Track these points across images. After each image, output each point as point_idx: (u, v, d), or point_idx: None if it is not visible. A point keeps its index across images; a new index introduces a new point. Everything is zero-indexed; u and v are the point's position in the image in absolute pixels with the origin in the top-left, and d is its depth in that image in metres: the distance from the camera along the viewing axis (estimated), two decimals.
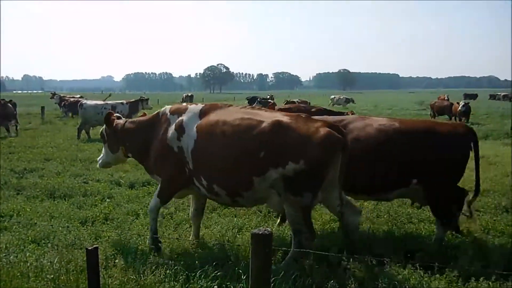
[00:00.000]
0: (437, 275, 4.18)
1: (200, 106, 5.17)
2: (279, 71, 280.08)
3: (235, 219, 6.41)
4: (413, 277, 4.19)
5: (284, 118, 4.55)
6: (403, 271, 4.32)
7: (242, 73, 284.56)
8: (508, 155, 11.68)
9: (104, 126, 5.78)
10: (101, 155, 6.05)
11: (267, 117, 4.60)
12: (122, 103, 18.07)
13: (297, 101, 24.21)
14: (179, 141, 4.94)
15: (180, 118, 5.06)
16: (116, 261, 4.67)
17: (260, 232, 2.66)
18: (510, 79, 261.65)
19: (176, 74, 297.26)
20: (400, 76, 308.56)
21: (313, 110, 13.95)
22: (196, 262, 4.62)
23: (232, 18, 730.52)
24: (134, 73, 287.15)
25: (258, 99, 30.14)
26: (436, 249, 4.97)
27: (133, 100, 19.06)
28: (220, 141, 4.63)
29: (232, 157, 4.55)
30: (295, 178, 4.31)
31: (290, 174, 4.31)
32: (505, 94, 57.51)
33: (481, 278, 4.08)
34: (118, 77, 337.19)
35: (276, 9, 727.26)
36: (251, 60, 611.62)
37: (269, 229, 2.68)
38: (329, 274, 4.22)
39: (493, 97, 58.33)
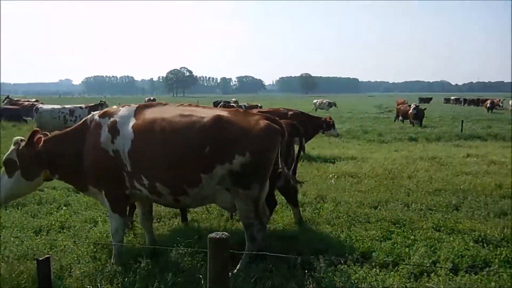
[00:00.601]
0: (392, 273, 4.35)
1: (134, 106, 4.98)
2: (243, 75, 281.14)
3: (195, 224, 6.38)
4: (369, 275, 4.34)
5: (223, 113, 4.65)
6: (360, 270, 4.47)
7: (206, 77, 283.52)
8: (459, 155, 12.36)
9: (10, 151, 4.82)
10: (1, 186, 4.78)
11: (207, 112, 4.64)
12: (81, 107, 17.54)
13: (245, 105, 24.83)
14: (113, 143, 4.67)
15: (112, 120, 4.77)
16: (72, 270, 4.52)
17: (218, 236, 2.66)
18: (460, 83, 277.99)
19: (138, 78, 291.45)
20: (360, 80, 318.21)
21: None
22: (156, 269, 4.55)
23: (194, 22, 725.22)
24: (94, 76, 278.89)
25: (222, 103, 30.40)
26: (390, 248, 5.15)
27: (93, 104, 18.53)
28: (160, 138, 4.52)
29: (176, 153, 4.48)
30: (242, 171, 4.39)
31: (238, 168, 4.38)
32: (457, 98, 61.06)
33: (432, 274, 4.28)
34: (77, 80, 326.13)
35: (238, 13, 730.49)
36: (214, 63, 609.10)
37: (226, 233, 2.69)
38: (288, 275, 4.30)
39: (446, 100, 61.50)
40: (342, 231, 5.90)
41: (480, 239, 5.49)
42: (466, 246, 5.15)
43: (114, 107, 5.22)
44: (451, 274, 4.42)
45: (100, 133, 4.74)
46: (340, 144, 14.88)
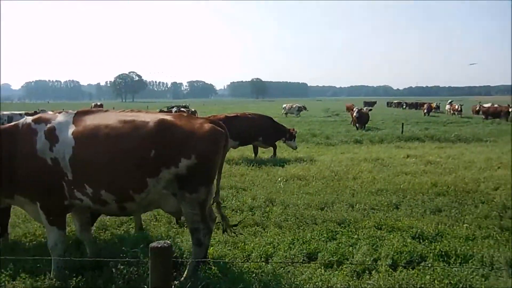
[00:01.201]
0: (336, 272, 4.50)
1: (71, 112, 4.77)
2: (194, 80, 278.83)
3: (144, 232, 6.21)
4: (315, 275, 4.45)
5: (167, 117, 4.62)
6: (306, 270, 4.58)
7: (156, 82, 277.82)
8: (399, 156, 13.03)
9: None
10: None
11: (150, 117, 4.59)
12: (20, 114, 16.55)
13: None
14: (52, 151, 4.42)
15: (49, 126, 4.52)
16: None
17: (159, 245, 2.61)
18: (401, 88, 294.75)
19: (84, 82, 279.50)
20: (309, 85, 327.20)
21: (256, 117, 13.93)
22: (99, 281, 4.37)
23: (145, 24, 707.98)
24: (36, 80, 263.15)
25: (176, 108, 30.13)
26: (335, 247, 5.32)
27: (33, 112, 17.53)
28: (104, 144, 4.40)
29: (121, 159, 4.38)
30: (189, 175, 4.39)
31: (184, 172, 4.37)
32: (399, 101, 64.55)
33: (373, 271, 4.48)
34: (16, 85, 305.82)
35: (189, 17, 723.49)
36: (165, 68, 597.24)
37: (169, 242, 2.64)
38: (236, 280, 4.30)
39: (389, 104, 64.74)
40: (290, 233, 6.01)
41: (417, 235, 5.82)
42: (404, 243, 5.44)
43: (50, 113, 4.97)
44: (390, 270, 4.65)
45: (35, 140, 4.47)
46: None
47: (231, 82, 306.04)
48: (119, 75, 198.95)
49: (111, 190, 4.45)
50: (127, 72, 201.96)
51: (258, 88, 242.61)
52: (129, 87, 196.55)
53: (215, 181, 4.87)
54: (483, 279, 4.41)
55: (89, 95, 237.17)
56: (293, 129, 14.50)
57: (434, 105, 43.01)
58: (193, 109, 34.76)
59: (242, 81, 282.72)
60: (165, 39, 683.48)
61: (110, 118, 4.59)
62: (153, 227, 6.50)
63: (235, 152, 14.38)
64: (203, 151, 4.43)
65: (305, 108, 41.71)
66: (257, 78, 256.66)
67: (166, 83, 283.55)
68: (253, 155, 13.56)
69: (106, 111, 4.94)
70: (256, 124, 13.63)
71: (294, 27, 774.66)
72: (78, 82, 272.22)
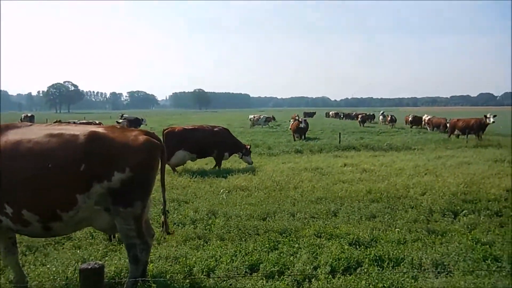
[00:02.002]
0: (277, 282, 4.55)
1: None
2: (134, 90, 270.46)
3: (78, 251, 5.87)
4: (256, 287, 4.47)
5: (99, 129, 4.46)
6: (248, 282, 4.58)
7: (94, 92, 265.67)
8: (337, 165, 13.56)
9: None
10: None
11: (80, 130, 4.40)
12: None
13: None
14: None
15: None
16: None
17: (90, 267, 2.47)
18: (338, 99, 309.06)
19: (13, 92, 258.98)
20: (251, 96, 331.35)
21: (216, 130, 13.95)
22: None
23: (82, 32, 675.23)
24: None
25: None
26: (277, 257, 5.39)
27: None
28: (28, 160, 4.13)
29: (46, 175, 4.12)
30: (123, 189, 4.23)
31: (117, 186, 4.21)
32: (336, 112, 67.47)
33: (313, 279, 4.59)
34: None
35: (128, 26, 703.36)
36: (103, 78, 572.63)
37: (99, 262, 2.51)
38: None
39: (327, 115, 67.36)
40: (233, 245, 5.99)
41: (354, 241, 6.08)
42: (342, 250, 5.65)
43: None
44: (330, 277, 4.80)
45: None
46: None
47: (173, 93, 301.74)
48: (53, 85, 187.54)
49: (34, 209, 4.15)
50: (61, 82, 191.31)
51: (201, 99, 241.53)
52: (64, 97, 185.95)
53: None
54: (413, 281, 4.70)
55: (19, 105, 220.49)
56: (249, 145, 14.53)
57: (368, 115, 45.32)
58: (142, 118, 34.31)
59: (184, 92, 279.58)
60: (104, 48, 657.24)
61: (35, 133, 4.31)
62: (89, 244, 6.15)
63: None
64: (138, 164, 4.30)
65: (274, 119, 40.95)
66: (200, 89, 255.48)
67: (105, 93, 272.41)
68: (197, 166, 13.41)
69: (30, 125, 4.65)
70: (215, 137, 13.61)
71: (235, 39, 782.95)
72: (6, 91, 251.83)
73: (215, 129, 14.10)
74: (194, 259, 5.37)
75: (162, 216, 5.01)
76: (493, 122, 22.38)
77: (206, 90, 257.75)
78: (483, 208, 7.86)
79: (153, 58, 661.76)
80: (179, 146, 12.78)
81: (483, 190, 9.23)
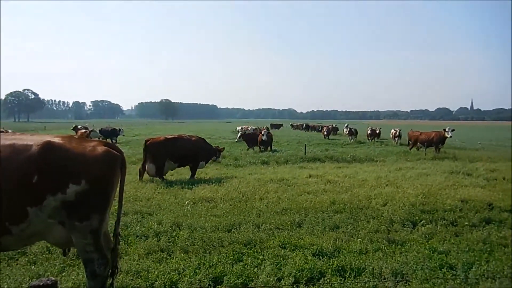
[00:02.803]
0: None
1: None
2: (99, 99, 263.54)
3: (33, 267, 5.59)
4: None
5: (55, 139, 4.28)
6: None
7: (55, 100, 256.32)
8: (303, 176, 13.73)
9: None
10: None
11: (35, 139, 4.21)
12: None
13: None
14: None
15: None
16: None
17: (42, 283, 2.37)
18: (304, 111, 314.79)
19: None
20: (218, 107, 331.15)
21: (193, 139, 14.51)
22: None
23: (42, 38, 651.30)
24: None
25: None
26: (241, 269, 5.37)
27: None
28: None
29: None
30: (79, 202, 4.08)
31: (72, 198, 4.05)
32: (302, 124, 68.63)
33: None
34: None
35: (93, 33, 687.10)
36: (65, 86, 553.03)
37: (52, 278, 2.41)
38: None
39: (293, 126, 68.27)
40: (197, 258, 5.91)
41: (317, 252, 6.15)
42: (306, 260, 5.71)
43: None
44: (294, 286, 4.82)
45: None
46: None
47: (139, 103, 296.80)
48: (11, 93, 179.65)
49: None
50: (21, 90, 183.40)
51: (168, 109, 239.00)
52: (23, 106, 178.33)
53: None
54: None
55: None
56: (221, 148, 15.65)
57: (332, 127, 46.15)
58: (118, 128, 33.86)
59: (150, 102, 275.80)
60: (67, 56, 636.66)
61: None
62: (45, 259, 5.88)
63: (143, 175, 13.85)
64: (95, 176, 4.15)
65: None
66: (166, 99, 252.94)
67: (67, 102, 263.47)
68: (160, 177, 13.20)
69: None
70: (195, 146, 14.15)
71: (202, 50, 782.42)
72: None
73: (194, 138, 14.67)
74: (156, 272, 5.25)
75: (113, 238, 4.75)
76: (451, 136, 23.36)
77: (173, 101, 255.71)
78: (440, 218, 8.19)
79: (118, 67, 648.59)
80: (162, 156, 13.15)
81: (440, 200, 9.62)
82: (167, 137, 13.92)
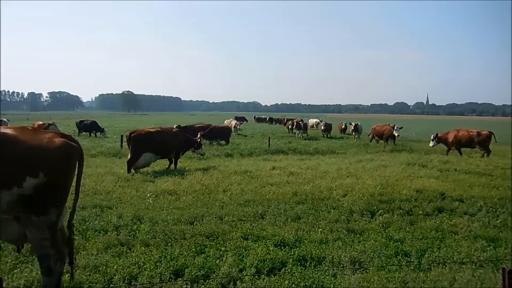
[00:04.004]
0: (202, 286, 4.51)
1: None
2: (56, 90, 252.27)
3: None
4: None
5: (8, 131, 4.09)
6: None
7: (9, 91, 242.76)
8: (266, 168, 13.83)
9: None
10: None
11: None
12: None
13: None
14: None
15: None
16: None
17: None
18: (269, 104, 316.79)
19: None
20: (182, 99, 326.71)
21: (174, 130, 15.20)
22: None
23: None
24: None
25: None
26: (203, 261, 5.36)
27: None
28: None
29: None
30: (36, 195, 3.93)
31: (30, 192, 3.90)
32: (265, 117, 69.00)
33: (238, 281, 4.62)
34: None
35: (50, 21, 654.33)
36: (20, 77, 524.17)
37: None
38: None
39: (258, 119, 68.44)
40: (158, 251, 5.83)
41: (279, 242, 6.23)
42: (267, 251, 5.77)
43: None
44: (254, 279, 4.87)
45: None
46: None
47: (99, 94, 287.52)
48: None
49: None
50: None
51: (130, 101, 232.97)
52: None
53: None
54: (332, 278, 4.93)
55: None
56: (200, 139, 15.79)
57: (297, 120, 46.60)
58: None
59: (112, 94, 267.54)
60: (22, 44, 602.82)
61: None
62: None
63: (102, 168, 13.46)
64: (53, 169, 4.00)
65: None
66: (128, 91, 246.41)
67: (22, 93, 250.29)
68: (123, 170, 12.90)
69: None
70: (176, 137, 14.71)
71: (167, 41, 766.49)
72: None
73: (174, 130, 15.35)
74: (115, 267, 5.13)
75: (67, 231, 4.53)
76: (398, 135, 24.18)
77: (135, 92, 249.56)
78: (396, 207, 8.51)
79: (78, 57, 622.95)
80: (146, 148, 13.46)
81: (397, 191, 10.00)
82: (149, 129, 14.43)
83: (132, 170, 13.18)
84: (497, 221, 7.69)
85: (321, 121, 41.28)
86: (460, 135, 20.06)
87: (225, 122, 39.65)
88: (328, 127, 33.43)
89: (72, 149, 4.25)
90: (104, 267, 5.11)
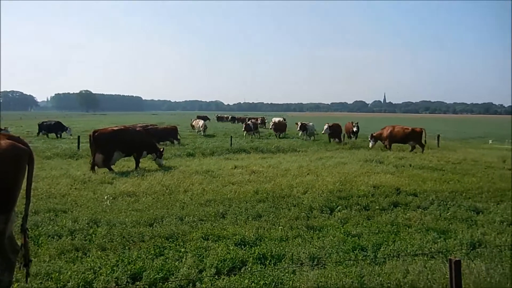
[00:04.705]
0: None
1: None
2: (8, 90, 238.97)
3: None
4: None
5: None
6: None
7: None
8: (228, 167, 13.80)
9: None
10: None
11: None
12: None
13: None
14: None
15: None
16: None
17: None
18: (231, 103, 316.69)
19: None
20: (143, 99, 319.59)
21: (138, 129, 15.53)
22: None
23: None
24: None
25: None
26: (162, 264, 5.26)
27: None
28: None
29: None
30: None
31: None
32: (227, 116, 68.76)
33: (197, 283, 4.58)
34: None
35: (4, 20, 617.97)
36: None
37: None
38: None
39: (220, 119, 68.13)
40: (115, 255, 5.66)
41: (240, 241, 6.23)
42: (228, 250, 5.75)
43: None
44: (214, 279, 4.84)
45: None
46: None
47: (55, 94, 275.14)
48: None
49: None
50: None
51: (88, 100, 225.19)
52: None
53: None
54: (292, 275, 4.99)
55: None
56: (162, 149, 15.44)
57: (260, 119, 46.81)
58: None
59: (69, 93, 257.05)
60: None
61: None
62: None
63: (57, 170, 12.91)
64: (0, 172, 3.80)
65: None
66: (87, 90, 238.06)
67: None
68: (80, 172, 12.42)
69: None
70: (140, 136, 14.76)
71: (127, 38, 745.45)
72: None
73: (137, 128, 15.72)
74: (69, 273, 4.92)
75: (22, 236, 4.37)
76: (357, 131, 26.19)
77: (93, 92, 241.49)
78: (354, 203, 8.76)
79: (33, 54, 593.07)
80: (115, 146, 13.51)
81: (355, 187, 10.29)
82: (114, 128, 14.45)
83: (89, 172, 12.75)
84: (448, 214, 8.09)
85: (284, 120, 41.55)
86: (395, 131, 21.41)
87: (193, 122, 38.30)
88: (279, 126, 31.46)
89: (20, 152, 4.04)
90: (57, 274, 4.89)
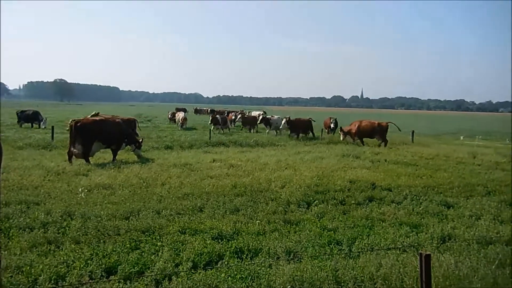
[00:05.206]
0: (136, 283, 4.40)
1: None
2: None
3: None
4: None
5: None
6: (103, 287, 4.31)
7: None
8: (206, 161, 13.74)
9: None
10: None
11: None
12: None
13: None
14: None
15: None
16: None
17: None
18: (211, 96, 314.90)
19: None
20: (121, 89, 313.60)
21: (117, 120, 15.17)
22: None
23: None
24: None
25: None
26: (137, 257, 5.22)
27: None
28: None
29: None
30: None
31: None
32: (206, 109, 68.00)
33: (173, 276, 4.57)
34: None
35: None
36: None
37: None
38: None
39: (197, 111, 67.50)
40: (89, 248, 5.57)
41: (217, 235, 6.24)
42: (205, 244, 5.76)
43: None
44: (191, 273, 4.83)
45: None
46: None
47: (28, 82, 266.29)
48: None
49: None
50: None
51: (63, 90, 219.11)
52: None
53: None
54: (268, 269, 5.04)
55: None
56: (141, 139, 15.46)
57: (239, 112, 46.62)
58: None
59: (42, 81, 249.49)
60: None
61: None
62: None
63: (30, 161, 12.54)
64: None
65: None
66: (61, 79, 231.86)
67: None
68: (54, 163, 12.11)
69: None
70: (120, 127, 14.60)
71: (106, 29, 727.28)
72: None
73: (117, 120, 15.40)
74: (41, 266, 4.82)
75: None
76: (333, 127, 26.50)
77: (68, 81, 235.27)
78: (331, 198, 8.89)
79: (3, 39, 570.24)
80: (95, 137, 13.36)
81: (332, 181, 10.43)
82: (95, 119, 14.30)
83: (64, 163, 12.45)
84: (420, 208, 8.32)
85: (264, 113, 41.23)
86: (362, 126, 21.85)
87: (176, 115, 36.34)
88: (247, 120, 30.39)
89: None
90: (28, 267, 4.79)
